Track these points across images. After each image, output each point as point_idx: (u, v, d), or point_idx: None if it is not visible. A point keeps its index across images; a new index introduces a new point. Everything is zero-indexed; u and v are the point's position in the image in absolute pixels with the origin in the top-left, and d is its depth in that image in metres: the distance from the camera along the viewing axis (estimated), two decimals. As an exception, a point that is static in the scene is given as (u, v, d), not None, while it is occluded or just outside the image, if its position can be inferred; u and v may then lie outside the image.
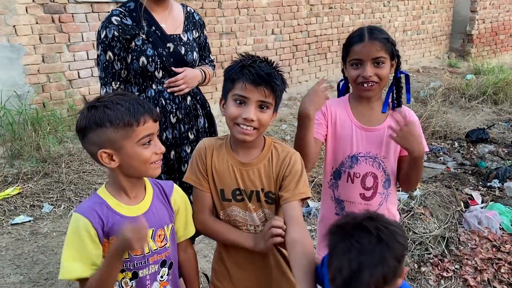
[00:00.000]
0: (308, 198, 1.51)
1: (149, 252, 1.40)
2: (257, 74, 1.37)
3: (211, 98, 5.86)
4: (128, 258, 1.37)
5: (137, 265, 1.39)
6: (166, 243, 1.45)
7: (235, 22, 6.00)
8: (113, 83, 2.03)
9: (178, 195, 1.52)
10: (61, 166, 3.99)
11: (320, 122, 1.73)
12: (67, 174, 3.91)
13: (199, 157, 1.53)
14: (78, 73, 4.78)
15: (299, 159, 1.50)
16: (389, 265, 1.02)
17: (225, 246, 1.59)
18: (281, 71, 1.46)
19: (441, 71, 8.63)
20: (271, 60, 1.46)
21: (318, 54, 7.19)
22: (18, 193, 3.62)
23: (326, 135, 1.76)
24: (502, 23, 9.93)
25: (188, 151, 2.16)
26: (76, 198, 3.62)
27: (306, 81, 7.09)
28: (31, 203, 3.53)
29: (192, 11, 2.22)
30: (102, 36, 1.98)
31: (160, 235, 1.43)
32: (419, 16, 8.77)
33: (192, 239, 2.43)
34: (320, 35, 7.14)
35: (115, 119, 1.26)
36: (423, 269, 2.82)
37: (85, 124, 1.28)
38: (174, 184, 1.54)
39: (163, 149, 1.36)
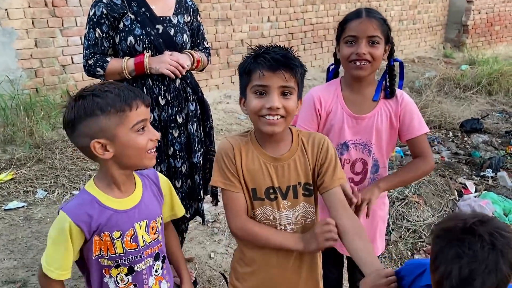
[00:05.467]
0: (344, 182, 1.48)
1: (143, 246, 1.36)
2: (273, 59, 1.28)
3: (206, 86, 5.82)
4: (123, 252, 1.32)
5: (132, 259, 1.34)
6: (158, 236, 1.42)
7: (230, 9, 5.94)
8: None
9: (163, 181, 1.49)
10: (54, 152, 3.95)
11: (312, 119, 1.75)
12: (60, 160, 3.88)
13: (226, 157, 1.39)
14: (72, 58, 4.72)
15: (331, 144, 1.46)
16: (503, 273, 0.96)
17: (248, 246, 1.48)
18: (297, 56, 1.37)
19: (436, 61, 8.63)
20: (284, 46, 1.37)
21: (314, 42, 7.15)
22: (11, 179, 3.59)
23: (317, 127, 1.79)
24: (497, 14, 9.92)
25: (176, 134, 2.14)
26: (70, 184, 3.60)
27: (302, 69, 7.07)
28: (25, 188, 3.50)
29: None
30: (91, 14, 2.00)
31: (153, 227, 1.39)
32: (415, 5, 8.73)
33: (184, 224, 2.41)
34: (316, 23, 7.09)
35: (105, 106, 1.19)
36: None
37: (74, 116, 1.20)
38: (156, 171, 1.51)
39: (158, 135, 1.30)
